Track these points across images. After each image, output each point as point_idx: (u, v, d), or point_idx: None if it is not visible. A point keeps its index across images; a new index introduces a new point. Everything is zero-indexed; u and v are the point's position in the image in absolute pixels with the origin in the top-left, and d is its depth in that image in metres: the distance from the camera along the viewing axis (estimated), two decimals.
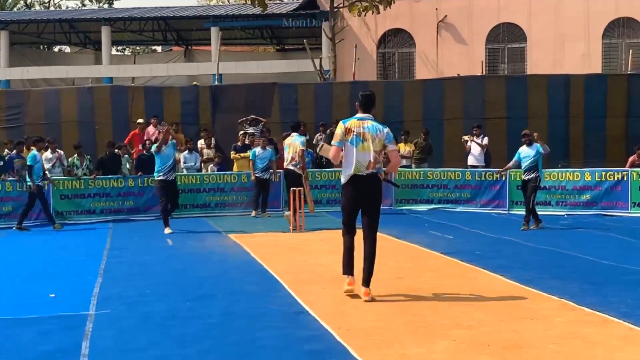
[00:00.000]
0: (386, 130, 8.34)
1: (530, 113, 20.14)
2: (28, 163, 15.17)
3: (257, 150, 17.14)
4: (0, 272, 10.54)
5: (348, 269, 8.41)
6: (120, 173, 17.09)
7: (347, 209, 8.49)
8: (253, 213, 16.93)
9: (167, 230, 14.30)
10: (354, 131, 8.27)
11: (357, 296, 8.22)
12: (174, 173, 14.90)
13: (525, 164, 14.47)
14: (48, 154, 17.28)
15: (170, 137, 14.65)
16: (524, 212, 15.61)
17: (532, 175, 14.40)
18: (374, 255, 8.27)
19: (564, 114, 20.12)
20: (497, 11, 28.74)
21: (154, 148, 14.79)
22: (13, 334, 7.01)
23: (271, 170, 17.16)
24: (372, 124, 8.31)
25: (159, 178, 14.50)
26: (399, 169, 17.84)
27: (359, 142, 8.22)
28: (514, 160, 14.82)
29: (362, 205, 8.36)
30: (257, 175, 16.94)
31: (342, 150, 8.33)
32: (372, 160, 8.19)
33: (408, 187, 18.04)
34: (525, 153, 14.48)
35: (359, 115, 8.42)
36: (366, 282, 8.20)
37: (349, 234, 8.53)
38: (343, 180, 8.42)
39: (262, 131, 19.17)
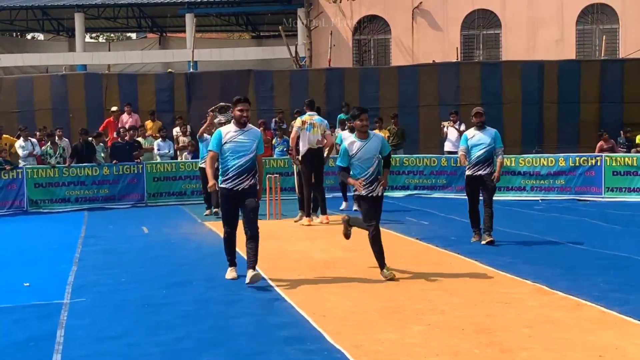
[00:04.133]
0: (325, 121, 13.54)
1: (505, 99, 20.26)
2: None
3: (206, 136, 14.25)
4: None
5: (313, 209, 13.50)
6: (94, 161, 16.96)
7: (306, 172, 13.23)
8: (207, 212, 15.02)
9: (206, 212, 14.94)
10: (307, 122, 13.21)
11: (334, 280, 8.25)
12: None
13: (478, 152, 11.07)
14: (21, 141, 17.15)
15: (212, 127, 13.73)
16: (502, 198, 15.61)
17: (489, 169, 11.05)
18: (323, 192, 13.69)
19: (538, 100, 20.26)
20: None
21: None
22: None
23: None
24: (317, 117, 13.42)
25: (201, 165, 14.82)
26: None
27: (311, 129, 13.20)
28: (462, 147, 11.26)
29: (315, 167, 13.25)
30: (201, 165, 14.81)
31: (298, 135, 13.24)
32: (319, 139, 13.23)
33: None
34: (478, 139, 11.09)
35: (309, 112, 13.42)
36: (323, 210, 13.51)
37: (312, 188, 13.25)
38: (302, 152, 13.15)
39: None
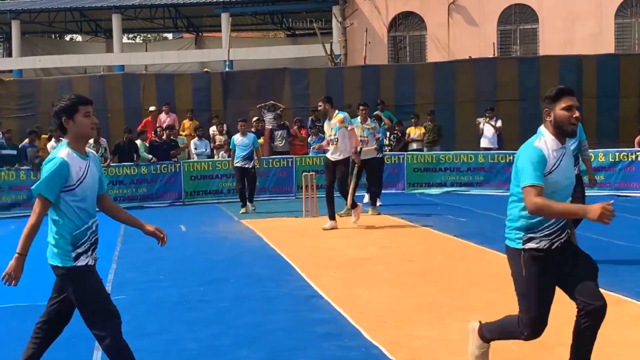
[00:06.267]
0: None
1: (543, 94, 19.83)
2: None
3: (237, 137, 15.21)
4: None
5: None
6: (137, 159, 17.07)
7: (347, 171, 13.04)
8: (242, 210, 15.12)
9: (242, 210, 15.02)
10: None
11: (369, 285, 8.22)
12: (251, 162, 15.05)
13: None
14: (53, 142, 17.36)
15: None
16: None
17: (576, 170, 8.48)
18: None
19: (577, 95, 19.73)
20: None
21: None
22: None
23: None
24: None
25: (235, 164, 15.19)
26: (412, 152, 18.22)
27: None
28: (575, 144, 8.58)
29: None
30: (237, 164, 15.18)
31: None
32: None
33: (420, 171, 18.02)
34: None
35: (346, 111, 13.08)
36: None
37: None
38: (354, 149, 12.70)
39: (277, 116, 19.36)
